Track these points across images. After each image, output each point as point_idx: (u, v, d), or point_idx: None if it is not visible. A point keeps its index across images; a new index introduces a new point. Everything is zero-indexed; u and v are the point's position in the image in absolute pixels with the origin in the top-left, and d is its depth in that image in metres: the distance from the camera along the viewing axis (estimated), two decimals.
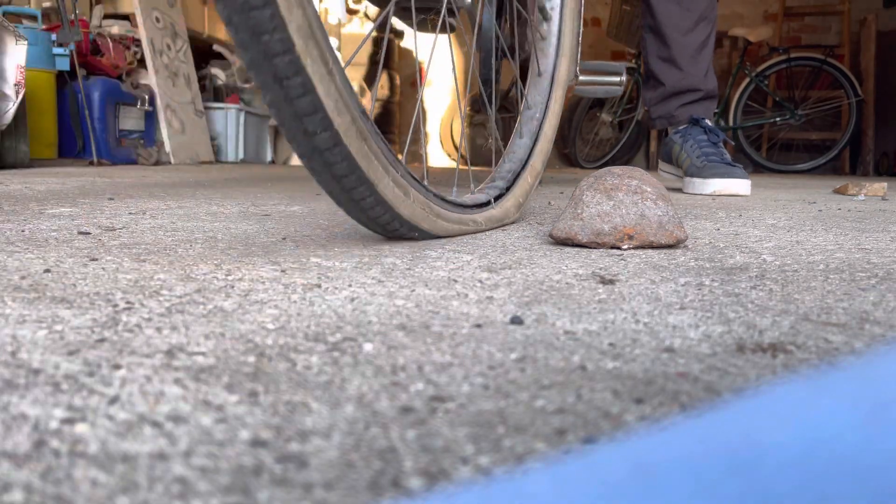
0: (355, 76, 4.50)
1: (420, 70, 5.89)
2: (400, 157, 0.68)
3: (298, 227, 0.89)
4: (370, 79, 5.05)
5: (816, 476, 0.14)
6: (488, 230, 0.83)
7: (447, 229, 0.74)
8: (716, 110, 4.11)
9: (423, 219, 0.69)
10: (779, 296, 0.53)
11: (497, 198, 0.85)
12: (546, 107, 1.01)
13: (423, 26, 1.08)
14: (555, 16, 1.08)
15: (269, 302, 0.47)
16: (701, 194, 1.66)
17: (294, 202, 1.26)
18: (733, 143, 4.25)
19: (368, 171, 0.60)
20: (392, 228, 0.69)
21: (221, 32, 3.94)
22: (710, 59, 1.81)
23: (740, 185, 1.64)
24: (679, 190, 1.79)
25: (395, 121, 5.38)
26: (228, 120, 3.62)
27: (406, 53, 5.61)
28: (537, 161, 0.96)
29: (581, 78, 1.30)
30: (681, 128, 1.82)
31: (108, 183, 1.67)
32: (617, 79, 1.34)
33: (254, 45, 0.51)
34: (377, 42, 5.05)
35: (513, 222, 0.92)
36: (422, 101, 0.85)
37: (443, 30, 1.19)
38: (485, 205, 0.82)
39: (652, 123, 1.89)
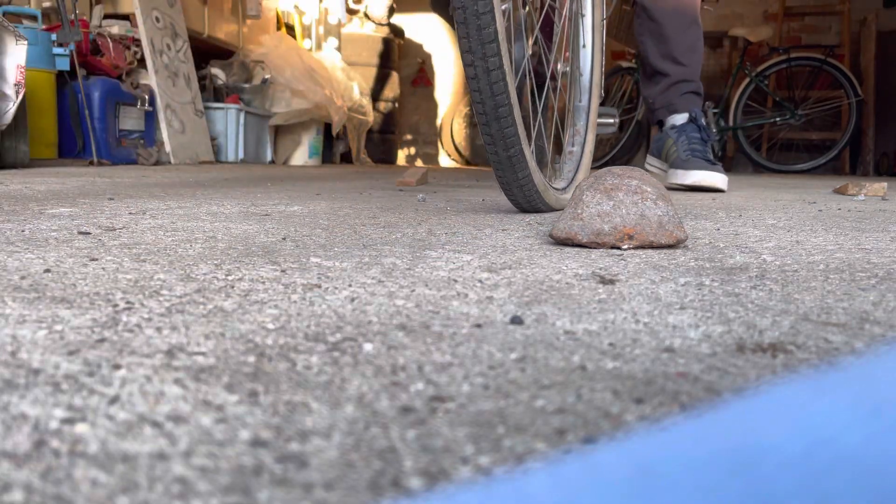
0: (355, 77, 4.50)
1: (421, 70, 5.89)
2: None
3: (298, 227, 0.89)
4: (380, 81, 5.05)
5: (816, 476, 0.14)
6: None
7: (558, 204, 1.13)
8: (715, 110, 4.13)
9: (552, 199, 1.09)
10: (779, 296, 0.53)
11: (568, 186, 1.25)
12: (587, 124, 1.39)
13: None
14: (587, 63, 1.42)
15: (269, 302, 0.47)
16: (682, 184, 1.85)
17: (294, 202, 1.26)
18: (730, 143, 4.25)
19: (535, 177, 1.02)
20: (537, 207, 1.08)
21: (221, 32, 3.94)
22: (700, 60, 2.02)
23: (717, 179, 1.82)
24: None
25: (395, 121, 5.38)
26: (228, 120, 3.62)
27: (406, 53, 5.61)
28: (586, 160, 1.36)
29: None
30: (678, 124, 1.98)
31: (108, 183, 1.67)
32: (611, 120, 1.60)
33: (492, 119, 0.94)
34: (375, 41, 5.04)
35: None
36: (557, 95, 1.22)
37: None
38: (564, 189, 1.20)
39: (654, 116, 2.06)
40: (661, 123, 2.04)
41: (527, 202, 1.05)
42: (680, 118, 1.96)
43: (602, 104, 1.68)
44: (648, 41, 1.97)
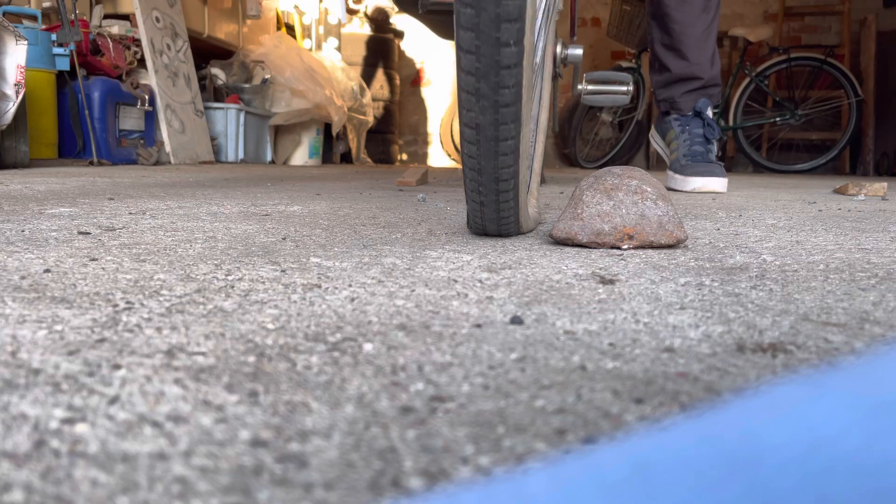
0: (355, 77, 4.50)
1: (421, 70, 5.90)
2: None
3: (298, 227, 0.89)
4: (380, 81, 5.06)
5: (816, 476, 0.14)
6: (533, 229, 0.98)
7: (526, 228, 0.89)
8: (715, 110, 4.12)
9: (526, 227, 0.86)
10: (779, 296, 0.53)
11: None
12: (537, 123, 1.15)
13: (441, 31, 1.12)
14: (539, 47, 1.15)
15: (269, 302, 0.47)
16: (682, 191, 1.79)
17: (294, 202, 1.26)
18: (730, 143, 4.26)
19: (522, 201, 0.76)
20: (508, 232, 0.83)
21: (221, 32, 3.95)
22: (713, 46, 1.86)
23: (717, 183, 1.77)
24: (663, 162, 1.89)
25: (395, 121, 5.38)
26: (228, 120, 3.62)
27: (406, 53, 5.61)
28: (537, 166, 1.09)
29: (588, 88, 1.36)
30: (682, 116, 1.89)
31: (108, 183, 1.67)
32: (624, 88, 1.36)
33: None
34: (375, 42, 5.04)
35: (540, 223, 1.03)
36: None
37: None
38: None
39: (657, 104, 1.97)
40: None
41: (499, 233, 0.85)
42: (684, 113, 1.89)
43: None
44: (654, 27, 1.85)
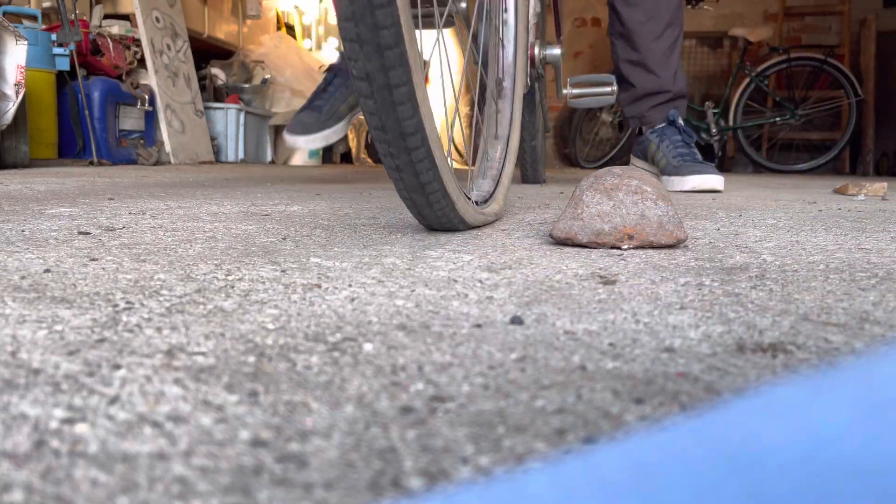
0: None
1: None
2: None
3: (298, 227, 0.89)
4: None
5: (817, 476, 0.14)
6: (493, 221, 0.98)
7: (478, 220, 0.88)
8: (715, 110, 4.12)
9: (468, 215, 0.83)
10: (779, 296, 0.53)
11: (489, 197, 1.00)
12: (511, 121, 1.15)
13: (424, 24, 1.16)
14: (509, 47, 1.18)
15: (269, 302, 0.47)
16: (681, 191, 1.80)
17: (294, 202, 1.26)
18: (730, 143, 4.26)
19: (443, 171, 0.73)
20: (451, 225, 0.83)
21: (221, 32, 3.94)
22: (678, 61, 1.91)
23: (716, 181, 1.80)
24: None
25: None
26: (228, 120, 3.62)
27: None
28: (509, 168, 1.10)
29: (573, 91, 1.50)
30: (657, 127, 1.93)
31: (108, 183, 1.67)
32: (608, 89, 1.47)
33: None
34: None
35: (499, 218, 1.04)
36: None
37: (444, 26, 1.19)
38: (483, 202, 0.96)
39: (626, 122, 2.02)
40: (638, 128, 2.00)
41: (440, 224, 0.82)
42: (655, 125, 1.92)
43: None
44: (618, 44, 1.89)
